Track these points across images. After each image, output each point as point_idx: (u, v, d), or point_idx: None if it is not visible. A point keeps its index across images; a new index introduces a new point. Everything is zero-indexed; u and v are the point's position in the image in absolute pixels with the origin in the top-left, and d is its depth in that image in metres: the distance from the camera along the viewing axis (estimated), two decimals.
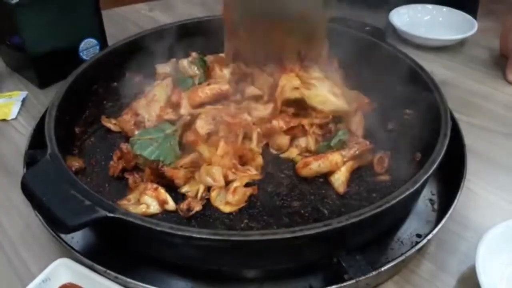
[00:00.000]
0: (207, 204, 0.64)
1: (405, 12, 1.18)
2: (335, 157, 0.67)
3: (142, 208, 0.62)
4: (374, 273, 0.54)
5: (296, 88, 0.73)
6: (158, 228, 0.51)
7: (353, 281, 0.53)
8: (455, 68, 1.05)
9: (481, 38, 1.14)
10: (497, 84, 0.99)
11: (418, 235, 0.64)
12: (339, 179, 0.66)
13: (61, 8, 0.92)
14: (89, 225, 0.57)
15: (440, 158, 0.62)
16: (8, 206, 0.71)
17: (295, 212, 0.63)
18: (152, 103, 0.75)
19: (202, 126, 0.69)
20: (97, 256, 0.57)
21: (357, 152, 0.68)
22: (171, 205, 0.63)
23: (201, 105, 0.74)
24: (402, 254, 0.57)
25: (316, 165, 0.67)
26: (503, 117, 0.90)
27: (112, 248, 0.61)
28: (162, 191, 0.63)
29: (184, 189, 0.65)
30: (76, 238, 0.63)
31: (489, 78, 1.01)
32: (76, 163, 0.69)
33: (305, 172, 0.68)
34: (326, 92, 0.73)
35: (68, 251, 0.58)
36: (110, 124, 0.78)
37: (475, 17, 1.20)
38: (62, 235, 0.60)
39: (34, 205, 0.58)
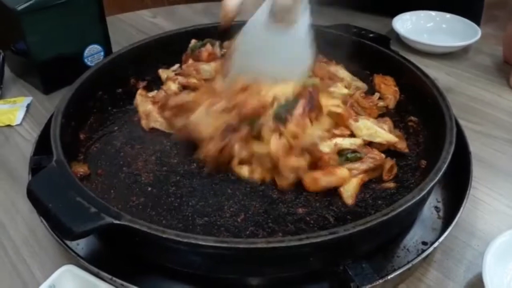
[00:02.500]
0: (213, 210, 0.64)
1: (408, 19, 1.19)
2: (343, 172, 0.66)
3: None
4: (380, 281, 0.53)
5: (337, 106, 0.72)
6: (164, 235, 0.51)
7: None
8: (459, 75, 1.05)
9: (484, 44, 1.15)
10: (501, 91, 0.99)
11: (424, 243, 0.64)
12: (348, 191, 0.65)
13: (66, 14, 0.92)
14: (95, 232, 0.57)
15: (445, 165, 0.62)
16: (13, 212, 0.71)
17: (300, 219, 0.63)
18: None
19: None
20: (103, 263, 0.57)
21: (371, 165, 0.68)
22: None
23: None
24: (408, 262, 0.57)
25: (325, 181, 0.65)
26: (507, 124, 0.90)
27: (118, 255, 0.61)
28: None
29: None
30: (82, 245, 0.63)
31: (493, 85, 1.01)
32: (81, 169, 0.69)
33: (314, 188, 0.66)
34: (372, 123, 0.73)
35: (73, 258, 0.58)
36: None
37: (478, 23, 1.20)
38: (68, 242, 0.60)
39: (40, 212, 0.58)
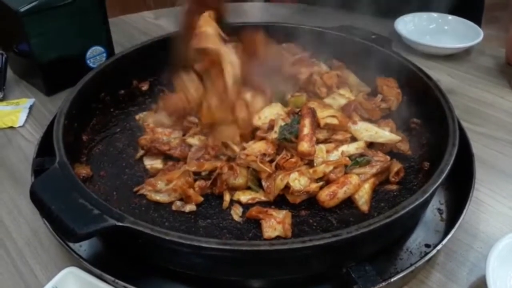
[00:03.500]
0: (215, 212, 0.64)
1: (410, 21, 1.18)
2: (354, 179, 0.65)
3: None
4: (383, 284, 0.53)
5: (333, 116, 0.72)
6: (167, 237, 0.51)
7: None
8: (461, 76, 1.05)
9: (486, 46, 1.14)
10: (504, 92, 0.99)
11: (427, 245, 0.64)
12: (363, 197, 0.65)
13: (68, 16, 0.93)
14: (97, 234, 0.57)
15: (449, 167, 0.62)
16: (16, 214, 0.71)
17: (303, 222, 0.63)
18: None
19: None
20: (105, 265, 0.57)
21: (379, 169, 0.67)
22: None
23: None
24: (411, 264, 0.57)
25: (342, 193, 0.64)
26: (510, 126, 0.90)
27: (120, 257, 0.61)
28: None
29: None
30: (84, 247, 0.63)
31: (495, 86, 1.01)
32: (83, 171, 0.69)
33: (332, 203, 0.64)
34: (371, 125, 0.73)
35: (76, 260, 0.58)
36: None
37: (479, 24, 1.20)
38: (70, 244, 0.60)
39: (43, 214, 0.58)
